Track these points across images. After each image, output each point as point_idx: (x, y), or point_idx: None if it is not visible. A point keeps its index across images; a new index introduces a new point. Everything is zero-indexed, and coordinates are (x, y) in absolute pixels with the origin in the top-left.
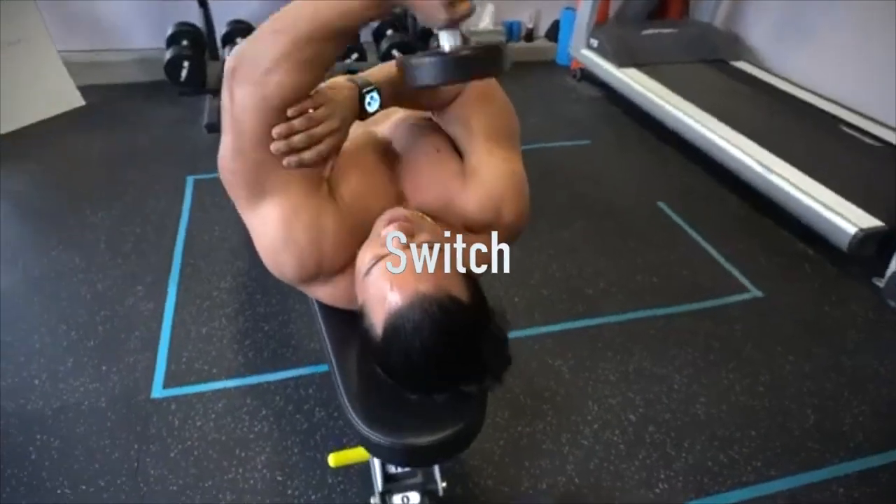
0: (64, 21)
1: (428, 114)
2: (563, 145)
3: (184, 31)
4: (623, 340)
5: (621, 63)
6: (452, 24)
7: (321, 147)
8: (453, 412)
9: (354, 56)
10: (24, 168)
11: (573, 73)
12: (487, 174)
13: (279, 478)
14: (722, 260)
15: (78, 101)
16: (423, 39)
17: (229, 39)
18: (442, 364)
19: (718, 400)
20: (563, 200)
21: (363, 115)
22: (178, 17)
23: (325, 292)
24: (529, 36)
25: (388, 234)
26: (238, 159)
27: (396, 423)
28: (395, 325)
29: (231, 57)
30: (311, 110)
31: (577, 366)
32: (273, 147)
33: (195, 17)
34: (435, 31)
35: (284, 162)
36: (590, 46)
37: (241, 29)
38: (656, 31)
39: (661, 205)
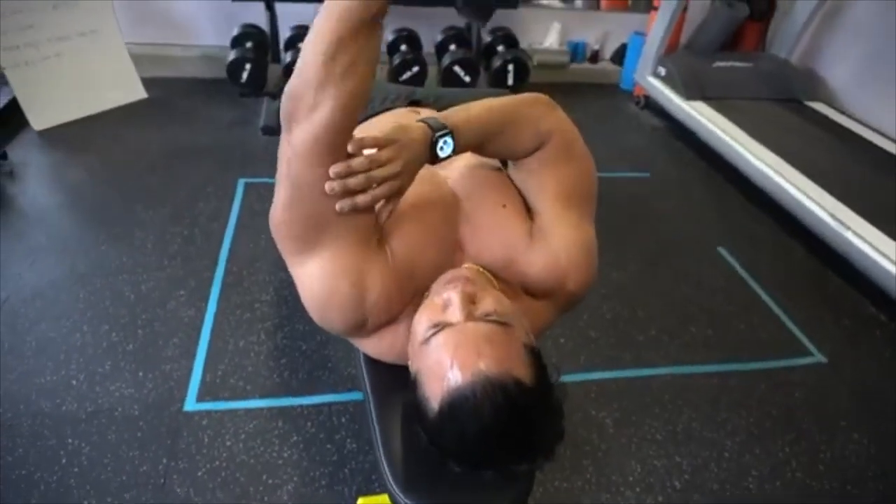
0: (133, 13)
1: (497, 162)
2: (620, 176)
3: (248, 33)
4: (672, 396)
5: (689, 95)
6: None
7: (378, 191)
8: (498, 488)
9: (416, 69)
10: (84, 159)
11: (636, 101)
12: (556, 240)
13: None
14: (784, 317)
15: (141, 93)
16: (486, 56)
17: (292, 44)
18: (498, 448)
19: (772, 475)
20: (617, 236)
21: (434, 159)
22: (246, 17)
23: (370, 345)
24: (594, 58)
25: (448, 298)
26: (291, 210)
27: (436, 493)
28: (454, 404)
29: (283, 101)
30: (373, 150)
31: (622, 420)
32: (328, 186)
33: (262, 19)
34: None
35: (338, 206)
36: (657, 74)
37: (304, 34)
38: (728, 63)
39: (722, 250)
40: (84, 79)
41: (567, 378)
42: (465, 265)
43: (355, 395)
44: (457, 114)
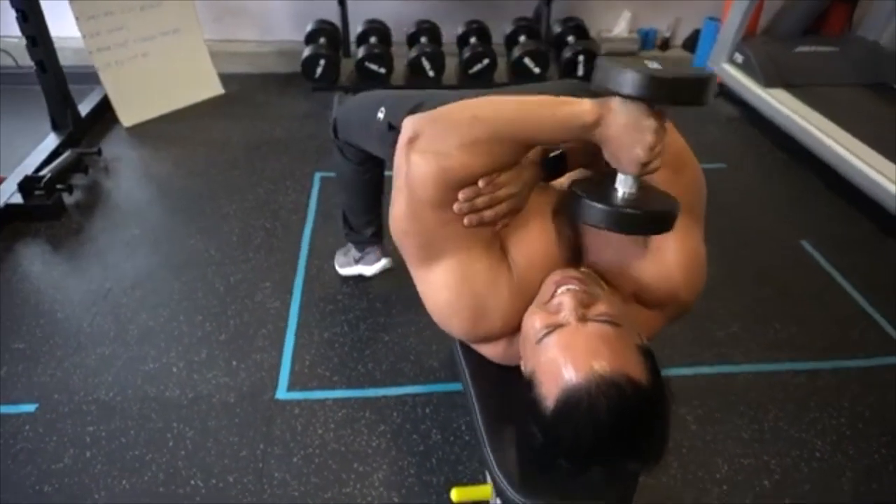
0: (213, 10)
1: None
2: None
3: (322, 28)
4: (757, 394)
5: (768, 82)
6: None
7: (501, 208)
8: (604, 488)
9: (486, 61)
10: (168, 153)
11: None
12: (670, 251)
13: (395, 499)
14: (876, 315)
15: (218, 89)
16: (556, 47)
17: (364, 39)
18: (612, 446)
19: (868, 476)
20: None
21: (548, 177)
22: (319, 13)
23: (490, 350)
24: (665, 45)
25: (560, 303)
26: (413, 221)
27: (546, 491)
28: (569, 402)
29: (411, 123)
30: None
31: (706, 417)
32: (456, 207)
33: (335, 15)
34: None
35: (465, 221)
36: (733, 61)
37: (375, 29)
38: (812, 48)
39: (805, 244)
40: (167, 76)
41: None
42: (582, 269)
43: (438, 387)
44: None
